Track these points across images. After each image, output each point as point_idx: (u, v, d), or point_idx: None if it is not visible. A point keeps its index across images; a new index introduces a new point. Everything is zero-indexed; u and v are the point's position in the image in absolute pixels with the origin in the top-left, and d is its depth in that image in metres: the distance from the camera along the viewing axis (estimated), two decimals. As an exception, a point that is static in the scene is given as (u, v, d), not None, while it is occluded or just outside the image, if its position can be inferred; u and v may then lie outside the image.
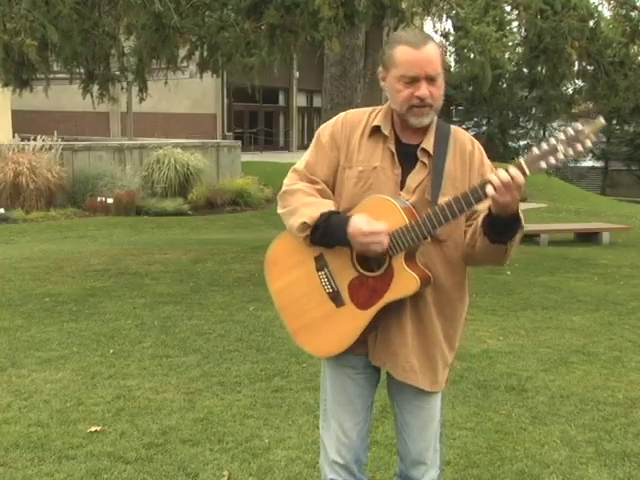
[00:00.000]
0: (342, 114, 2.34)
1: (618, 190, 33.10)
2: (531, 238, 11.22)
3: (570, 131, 1.91)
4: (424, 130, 2.22)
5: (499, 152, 31.55)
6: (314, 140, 2.34)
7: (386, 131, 2.23)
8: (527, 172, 1.95)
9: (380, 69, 2.23)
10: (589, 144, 1.90)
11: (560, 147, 1.91)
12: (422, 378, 2.26)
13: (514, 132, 34.64)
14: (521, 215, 2.06)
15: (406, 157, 2.21)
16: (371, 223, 2.09)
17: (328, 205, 2.19)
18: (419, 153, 2.21)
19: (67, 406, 4.13)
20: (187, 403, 4.19)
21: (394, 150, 2.22)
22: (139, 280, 7.64)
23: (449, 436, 3.73)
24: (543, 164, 1.93)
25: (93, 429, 3.80)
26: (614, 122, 34.10)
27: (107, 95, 9.70)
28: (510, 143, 34.56)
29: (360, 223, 2.10)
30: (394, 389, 2.35)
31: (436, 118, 2.24)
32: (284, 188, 2.31)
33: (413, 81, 2.12)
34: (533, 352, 5.23)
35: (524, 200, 18.74)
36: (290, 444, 3.64)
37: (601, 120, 1.91)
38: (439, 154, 2.19)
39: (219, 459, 3.48)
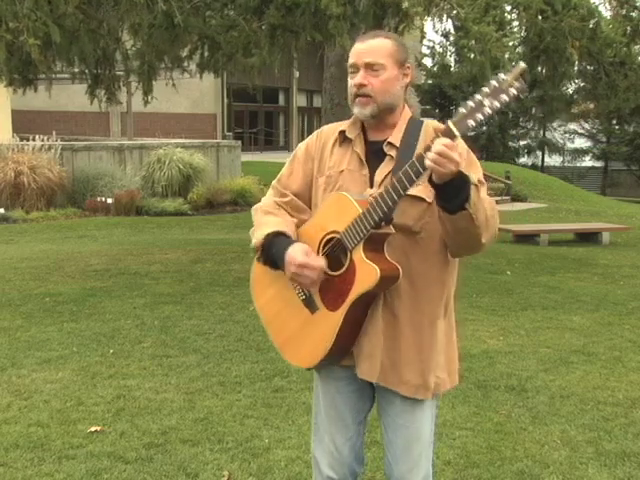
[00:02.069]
0: (320, 129, 2.39)
1: (618, 190, 33.11)
2: (531, 238, 11.22)
3: (493, 83, 1.89)
4: (392, 126, 2.21)
5: (499, 152, 31.58)
6: (291, 155, 2.39)
7: (351, 135, 2.24)
8: (457, 134, 1.92)
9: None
10: (514, 92, 1.88)
11: (486, 102, 1.90)
12: (393, 379, 2.17)
13: (514, 132, 34.66)
14: (470, 175, 1.99)
15: (375, 155, 2.20)
16: (308, 256, 2.10)
17: (276, 224, 2.21)
18: (385, 147, 2.19)
19: (67, 406, 4.13)
20: (187, 403, 4.19)
21: (360, 152, 2.21)
22: (139, 280, 7.64)
23: (449, 436, 3.73)
24: (471, 122, 1.91)
25: (93, 429, 3.80)
26: (614, 122, 34.14)
27: (114, 99, 9.71)
28: (510, 143, 34.57)
29: (296, 253, 2.11)
30: (381, 407, 2.29)
31: (409, 115, 2.22)
32: (255, 205, 2.38)
33: (354, 70, 2.17)
34: (533, 352, 5.23)
35: (524, 200, 18.76)
36: (290, 444, 3.64)
37: (521, 64, 1.90)
38: (407, 146, 2.16)
39: (219, 459, 3.48)
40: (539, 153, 36.25)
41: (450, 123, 1.92)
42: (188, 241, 10.81)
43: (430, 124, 2.22)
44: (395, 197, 2.01)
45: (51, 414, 4.01)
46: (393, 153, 2.17)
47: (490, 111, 1.89)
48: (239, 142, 19.23)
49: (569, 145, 37.16)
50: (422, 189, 2.08)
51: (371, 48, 2.16)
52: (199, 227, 13.00)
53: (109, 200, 13.90)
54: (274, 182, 2.37)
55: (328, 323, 2.14)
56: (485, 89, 1.89)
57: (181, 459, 3.48)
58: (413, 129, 2.20)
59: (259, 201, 2.40)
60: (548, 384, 4.56)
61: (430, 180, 1.97)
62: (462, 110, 1.92)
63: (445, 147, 1.88)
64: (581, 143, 37.39)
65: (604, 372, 4.81)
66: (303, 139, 2.41)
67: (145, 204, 14.14)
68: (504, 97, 1.88)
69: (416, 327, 2.17)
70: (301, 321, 2.20)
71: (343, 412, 2.29)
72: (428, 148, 1.92)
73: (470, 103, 1.90)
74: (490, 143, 31.99)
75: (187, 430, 3.81)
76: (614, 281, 8.06)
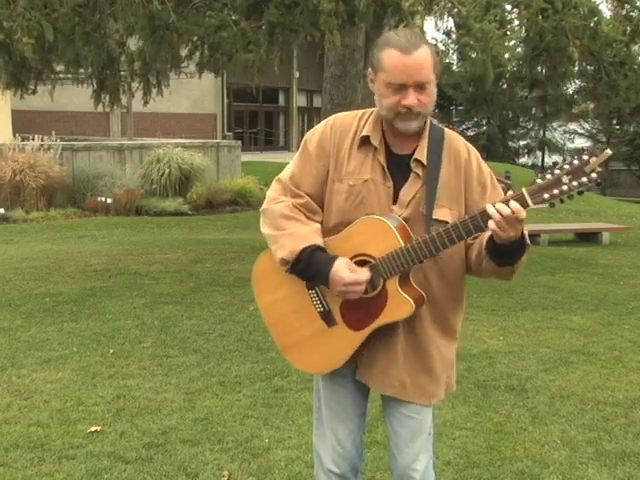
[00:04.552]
0: (331, 118, 2.24)
1: (618, 190, 33.09)
2: (531, 238, 11.19)
3: (575, 162, 1.83)
4: (416, 137, 2.13)
5: (499, 152, 31.62)
6: (301, 147, 2.24)
7: (375, 142, 2.14)
8: (530, 204, 1.88)
9: (369, 71, 2.14)
10: (594, 176, 1.81)
11: (564, 179, 1.84)
12: (413, 392, 2.20)
13: (514, 132, 34.69)
14: (526, 235, 2.01)
15: (398, 168, 2.13)
16: (353, 272, 2.05)
17: (310, 237, 2.11)
18: (412, 164, 2.12)
19: (67, 406, 4.13)
20: (187, 403, 4.19)
21: (384, 163, 2.13)
22: (139, 280, 7.64)
23: (449, 436, 3.73)
24: (546, 195, 1.86)
25: (93, 429, 3.80)
26: (614, 122, 34.17)
27: (117, 103, 9.72)
28: (510, 143, 34.62)
29: (342, 271, 2.04)
30: (386, 401, 2.30)
31: (429, 121, 2.16)
32: (266, 204, 2.23)
33: (401, 88, 2.03)
34: (533, 352, 5.23)
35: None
36: (290, 444, 3.64)
37: (608, 152, 1.82)
38: (433, 163, 2.11)
39: (219, 459, 3.48)
40: (539, 153, 36.28)
41: (525, 192, 1.88)
42: (188, 241, 10.81)
43: (452, 138, 2.17)
44: (448, 244, 2.00)
45: (51, 414, 4.01)
46: (419, 171, 2.12)
47: (567, 190, 1.83)
48: (239, 142, 19.23)
49: (569, 145, 37.19)
50: (447, 213, 2.08)
51: (420, 64, 2.02)
52: (199, 227, 13.00)
53: (109, 200, 13.90)
54: (284, 178, 2.23)
55: (347, 340, 2.14)
56: (567, 166, 1.84)
57: (181, 459, 3.47)
58: (436, 142, 2.14)
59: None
60: (548, 384, 4.56)
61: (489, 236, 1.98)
62: (539, 182, 1.87)
63: (512, 213, 1.86)
64: (581, 143, 37.40)
65: (604, 372, 4.81)
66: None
67: (145, 204, 14.13)
68: (585, 180, 1.82)
69: (435, 343, 2.21)
70: (314, 330, 2.18)
71: (346, 406, 2.30)
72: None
73: (548, 176, 1.85)
74: (490, 143, 32.00)
75: (187, 430, 3.81)
76: (614, 281, 8.05)
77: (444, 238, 1.99)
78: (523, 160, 35.63)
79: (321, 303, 2.16)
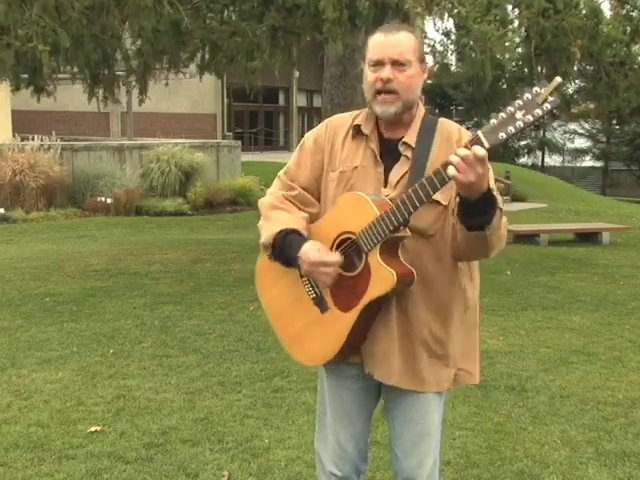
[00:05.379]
0: (328, 119, 2.32)
1: (618, 190, 33.13)
2: (531, 238, 11.22)
3: (527, 96, 1.82)
4: (407, 123, 2.17)
5: (499, 152, 31.58)
6: (299, 145, 2.33)
7: (366, 130, 2.19)
8: (486, 145, 1.85)
9: (362, 63, 2.20)
10: (548, 107, 1.80)
11: (518, 114, 1.83)
12: (408, 379, 2.17)
13: (514, 132, 34.62)
14: (497, 197, 1.97)
15: (389, 154, 2.16)
16: (321, 253, 2.06)
17: (287, 222, 2.16)
18: (401, 147, 2.15)
19: (67, 406, 4.13)
20: (187, 403, 4.19)
21: (375, 149, 2.17)
22: (139, 280, 7.64)
23: (449, 436, 3.73)
24: (502, 134, 1.84)
25: (93, 429, 3.80)
26: (614, 122, 34.17)
27: (111, 98, 9.72)
28: (510, 143, 34.56)
29: (310, 251, 2.07)
30: (389, 402, 2.28)
31: (423, 112, 2.19)
32: (261, 198, 2.33)
33: (378, 64, 2.10)
34: (533, 352, 5.23)
35: (524, 200, 18.76)
36: (290, 444, 3.64)
37: (557, 79, 1.82)
38: (422, 146, 2.13)
39: (219, 459, 3.48)
40: (539, 153, 36.28)
41: (480, 133, 1.87)
42: (188, 241, 10.81)
43: (445, 123, 2.19)
44: (417, 203, 1.98)
45: (51, 414, 4.01)
46: (408, 153, 2.14)
47: (522, 125, 1.82)
48: (239, 142, 19.23)
49: (569, 145, 37.20)
50: (439, 193, 2.04)
51: (398, 43, 2.09)
52: (199, 227, 13.00)
53: (109, 200, 13.90)
54: (280, 173, 2.31)
55: (340, 324, 2.12)
56: (518, 101, 1.83)
57: (181, 459, 3.48)
58: (428, 128, 2.16)
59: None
60: (548, 384, 4.56)
61: (459, 193, 1.95)
62: (493, 121, 1.86)
63: (471, 154, 1.84)
64: (581, 143, 37.44)
65: (604, 372, 4.81)
66: (303, 139, 2.37)
67: (145, 204, 14.13)
68: (538, 111, 1.81)
69: (431, 329, 2.17)
70: (310, 319, 2.18)
71: (350, 409, 2.29)
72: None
73: (502, 115, 1.84)
74: (490, 143, 31.95)
75: (187, 430, 3.81)
76: (614, 281, 8.05)
77: (413, 198, 1.98)
78: (523, 160, 35.64)
79: (313, 289, 2.17)
